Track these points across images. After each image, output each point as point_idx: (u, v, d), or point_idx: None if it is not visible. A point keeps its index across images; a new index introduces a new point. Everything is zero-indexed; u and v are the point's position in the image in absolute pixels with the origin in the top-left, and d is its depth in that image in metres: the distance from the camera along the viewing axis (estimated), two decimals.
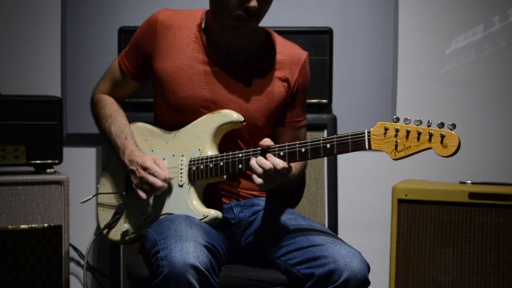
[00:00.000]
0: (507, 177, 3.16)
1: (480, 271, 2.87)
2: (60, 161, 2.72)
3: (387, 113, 3.18)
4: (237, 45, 2.21)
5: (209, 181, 2.15)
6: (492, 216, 2.85)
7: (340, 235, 2.61)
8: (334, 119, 2.98)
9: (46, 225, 2.66)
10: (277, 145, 2.01)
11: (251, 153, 2.05)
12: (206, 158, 2.13)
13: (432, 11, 3.27)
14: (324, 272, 1.95)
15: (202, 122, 2.19)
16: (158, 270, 1.88)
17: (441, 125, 1.78)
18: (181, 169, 2.18)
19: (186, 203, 2.14)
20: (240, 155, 2.07)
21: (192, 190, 2.15)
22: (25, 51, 3.16)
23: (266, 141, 2.02)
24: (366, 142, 1.88)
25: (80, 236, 3.08)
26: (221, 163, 2.10)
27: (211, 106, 2.19)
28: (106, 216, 2.34)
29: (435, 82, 3.30)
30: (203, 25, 2.23)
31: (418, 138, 1.81)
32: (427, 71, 3.29)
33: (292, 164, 2.02)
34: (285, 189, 2.32)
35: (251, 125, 2.20)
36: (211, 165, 2.11)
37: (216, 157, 2.11)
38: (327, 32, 2.99)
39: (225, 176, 2.13)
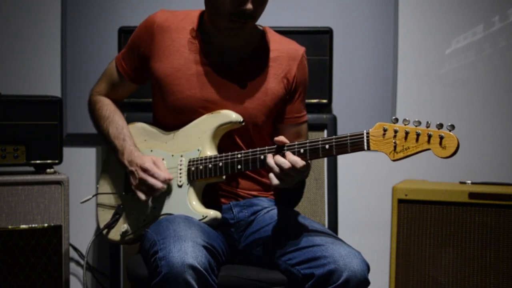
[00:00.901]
0: (507, 177, 3.16)
1: (480, 271, 2.87)
2: (60, 161, 2.72)
3: (387, 113, 3.18)
4: (234, 45, 2.21)
5: (208, 181, 2.15)
6: (492, 216, 2.85)
7: (340, 235, 2.61)
8: (334, 119, 2.98)
9: (46, 225, 2.66)
10: (295, 143, 2.00)
11: (250, 153, 2.05)
12: (205, 159, 2.13)
13: (432, 11, 3.27)
14: (324, 272, 1.95)
15: (201, 123, 2.19)
16: (157, 271, 1.88)
17: (440, 126, 1.78)
18: (180, 169, 2.18)
19: (185, 204, 2.14)
20: (239, 155, 2.07)
21: (191, 190, 2.15)
22: (25, 51, 3.16)
23: (282, 138, 2.00)
24: (365, 143, 1.88)
25: (80, 236, 3.08)
26: (220, 164, 2.10)
27: (210, 106, 2.19)
28: (105, 216, 2.34)
29: (435, 82, 3.29)
30: (200, 26, 2.23)
31: (417, 139, 1.81)
32: (427, 71, 3.29)
33: None
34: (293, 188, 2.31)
35: (250, 123, 2.20)
36: (210, 165, 2.11)
37: (215, 157, 2.11)
38: (327, 32, 2.99)
39: (224, 177, 2.13)
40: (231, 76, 2.21)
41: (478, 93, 3.30)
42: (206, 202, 2.17)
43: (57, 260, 2.66)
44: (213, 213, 2.11)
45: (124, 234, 2.27)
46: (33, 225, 2.64)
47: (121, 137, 2.25)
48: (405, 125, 1.83)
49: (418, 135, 1.81)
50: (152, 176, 2.14)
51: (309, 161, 1.99)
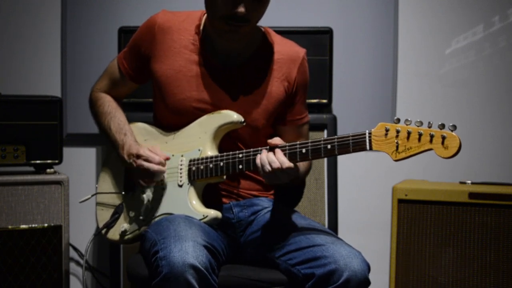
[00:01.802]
0: (507, 177, 3.16)
1: (480, 271, 2.87)
2: (60, 161, 2.72)
3: (387, 113, 3.18)
4: (235, 47, 2.21)
5: (209, 181, 2.15)
6: (492, 216, 2.85)
7: (340, 235, 2.61)
8: (334, 119, 2.98)
9: (46, 225, 2.66)
10: (287, 144, 2.01)
11: (251, 153, 2.05)
12: (206, 158, 2.13)
13: (432, 11, 3.27)
14: (324, 272, 1.95)
15: (202, 123, 2.19)
16: (157, 270, 1.88)
17: (442, 126, 1.78)
18: (180, 169, 2.18)
19: (186, 203, 2.14)
20: (240, 155, 2.07)
21: (192, 190, 2.15)
22: (25, 51, 3.16)
23: (275, 140, 2.02)
24: (367, 143, 1.88)
25: (80, 236, 3.08)
26: (221, 164, 2.10)
27: (210, 108, 2.20)
28: (105, 215, 2.34)
29: (435, 82, 3.29)
30: (201, 27, 2.23)
31: (419, 139, 1.81)
32: (427, 71, 3.29)
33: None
34: (289, 186, 2.31)
35: (250, 126, 2.20)
36: (211, 165, 2.11)
37: (216, 157, 2.11)
38: (327, 32, 2.99)
39: (225, 177, 2.13)
40: (232, 78, 2.21)
41: (478, 93, 3.30)
42: (206, 202, 2.17)
43: (57, 260, 2.66)
44: (213, 213, 2.11)
45: (123, 233, 2.27)
46: (33, 225, 2.64)
47: (122, 132, 2.26)
48: (407, 125, 1.84)
49: (420, 135, 1.81)
50: (147, 160, 2.14)
51: (296, 165, 2.00)
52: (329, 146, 1.94)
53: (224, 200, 2.24)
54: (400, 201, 2.96)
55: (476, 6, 3.25)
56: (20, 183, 2.63)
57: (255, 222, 2.23)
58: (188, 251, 1.86)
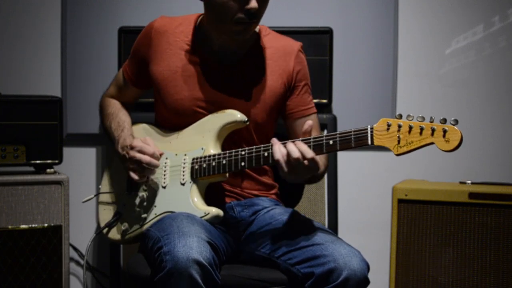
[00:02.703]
0: (507, 177, 3.16)
1: (480, 271, 2.87)
2: (60, 161, 2.72)
3: (387, 113, 3.18)
4: (231, 46, 2.22)
5: (211, 179, 2.16)
6: (492, 216, 2.85)
7: (340, 235, 2.61)
8: (334, 119, 2.98)
9: (46, 225, 2.66)
10: (288, 140, 2.00)
11: (254, 150, 2.06)
12: (209, 157, 2.13)
13: (432, 11, 3.27)
14: (323, 271, 1.95)
15: (206, 122, 2.19)
16: (161, 265, 1.88)
17: (444, 120, 1.79)
18: (183, 167, 2.18)
19: (188, 201, 2.14)
20: (243, 152, 2.08)
21: (194, 188, 2.15)
22: (25, 51, 3.16)
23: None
24: (369, 138, 1.88)
25: (80, 236, 3.08)
26: (224, 161, 2.10)
27: (209, 107, 2.21)
28: (107, 215, 2.34)
29: (435, 82, 3.30)
30: (197, 28, 2.25)
31: (421, 133, 1.82)
32: (427, 71, 3.29)
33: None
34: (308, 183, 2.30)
35: (251, 123, 2.20)
36: (213, 163, 2.12)
37: (218, 155, 2.12)
38: (327, 32, 3.00)
39: (227, 175, 2.13)
40: (229, 76, 2.22)
41: (478, 93, 3.30)
42: (208, 201, 2.17)
43: (57, 260, 2.67)
44: (215, 211, 2.11)
45: (124, 233, 2.27)
46: (33, 225, 2.64)
47: (120, 128, 2.29)
48: (409, 120, 1.84)
49: (421, 129, 1.81)
50: (140, 151, 2.15)
51: (317, 160, 1.96)
52: (331, 142, 1.94)
53: (226, 199, 2.24)
54: (400, 201, 2.96)
55: (476, 6, 3.26)
56: (20, 183, 2.63)
57: (256, 222, 2.23)
58: (193, 246, 1.86)
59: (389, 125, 1.86)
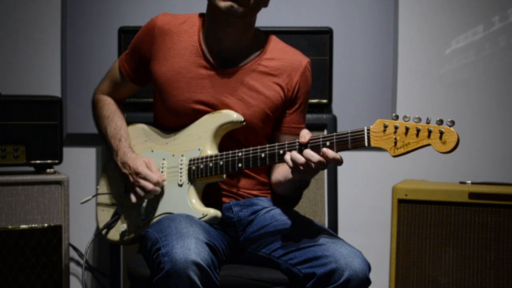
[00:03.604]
0: (507, 177, 3.16)
1: (480, 271, 2.87)
2: (60, 161, 2.72)
3: (387, 113, 3.18)
4: (236, 49, 2.21)
5: (209, 180, 2.16)
6: (492, 216, 2.85)
7: (340, 235, 2.61)
8: (334, 119, 2.98)
9: (46, 225, 2.66)
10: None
11: (251, 151, 2.06)
12: (206, 158, 2.13)
13: (432, 11, 3.27)
14: (325, 271, 1.95)
15: (203, 122, 2.19)
16: (160, 267, 1.88)
17: (440, 122, 1.79)
18: (181, 168, 2.18)
19: (186, 202, 2.14)
20: (240, 154, 2.08)
21: (192, 189, 2.15)
22: (25, 51, 3.16)
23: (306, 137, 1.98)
24: (366, 139, 1.88)
25: (80, 236, 3.08)
26: (221, 162, 2.10)
27: (208, 109, 2.20)
28: (105, 216, 2.34)
29: (435, 82, 3.30)
30: (201, 29, 2.24)
31: (417, 135, 1.82)
32: (427, 71, 3.29)
33: None
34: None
35: (248, 129, 2.20)
36: (210, 164, 2.12)
37: (215, 156, 2.12)
38: (327, 32, 2.99)
39: (224, 176, 2.13)
40: (232, 80, 2.21)
41: (478, 93, 3.30)
42: (206, 201, 2.17)
43: (57, 260, 2.66)
44: (213, 212, 2.11)
45: (123, 234, 2.27)
46: (33, 225, 2.64)
47: (117, 137, 2.27)
48: (405, 121, 1.84)
49: (418, 130, 1.81)
50: (144, 178, 2.15)
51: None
52: (327, 143, 1.94)
53: (224, 199, 2.24)
54: (400, 201, 2.96)
55: (476, 6, 3.26)
56: (20, 183, 2.63)
57: (255, 222, 2.23)
58: (191, 247, 1.86)
59: (385, 127, 1.86)
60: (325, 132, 2.95)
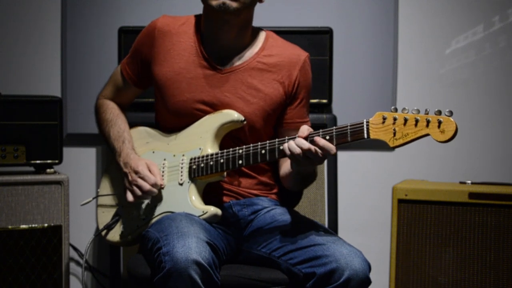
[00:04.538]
0: (507, 177, 3.16)
1: (480, 271, 2.87)
2: (60, 161, 2.72)
3: None
4: (234, 48, 2.22)
5: (210, 179, 2.16)
6: (492, 216, 2.85)
7: (340, 235, 2.61)
8: (334, 119, 2.98)
9: (46, 225, 2.66)
10: (286, 137, 2.00)
11: (251, 148, 2.06)
12: (207, 156, 2.13)
13: (432, 11, 3.27)
14: (325, 271, 1.95)
15: (204, 122, 2.19)
16: (161, 266, 1.88)
17: (439, 112, 1.80)
18: (181, 168, 2.18)
19: (186, 200, 2.14)
20: (240, 151, 2.08)
21: (192, 187, 2.16)
22: (25, 51, 3.16)
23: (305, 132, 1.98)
24: (365, 131, 1.89)
25: (80, 236, 3.08)
26: (221, 160, 2.10)
27: (209, 109, 2.21)
28: (105, 217, 2.34)
29: (435, 82, 3.30)
30: (200, 29, 2.25)
31: (416, 125, 1.82)
32: (427, 71, 3.29)
33: None
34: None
35: (248, 127, 2.20)
36: (211, 162, 2.12)
37: (216, 154, 2.12)
38: (327, 32, 2.99)
39: (225, 174, 2.13)
40: (231, 80, 2.21)
41: (478, 93, 3.30)
42: (207, 200, 2.17)
43: (57, 260, 2.66)
44: (213, 210, 2.11)
45: (123, 234, 2.27)
46: (33, 225, 2.64)
47: (120, 139, 2.28)
48: (404, 113, 1.84)
49: (417, 121, 1.82)
50: (142, 178, 2.15)
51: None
52: (327, 137, 1.94)
53: (225, 198, 2.24)
54: (400, 201, 2.96)
55: (476, 6, 3.26)
56: (20, 183, 2.63)
57: (255, 222, 2.23)
58: (191, 247, 1.86)
59: (384, 118, 1.87)
60: None
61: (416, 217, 2.94)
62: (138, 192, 2.17)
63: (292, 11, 3.15)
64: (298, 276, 2.04)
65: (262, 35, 2.27)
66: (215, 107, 2.20)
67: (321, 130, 1.96)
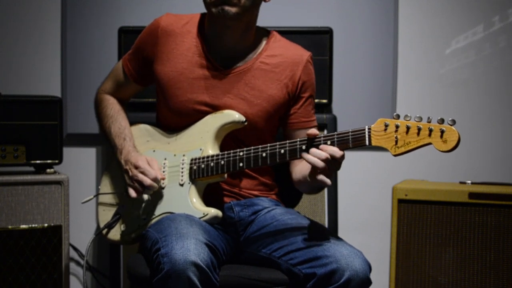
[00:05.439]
0: (507, 177, 3.16)
1: (480, 271, 2.87)
2: (60, 161, 2.72)
3: (387, 113, 3.18)
4: (237, 49, 2.21)
5: (210, 180, 2.16)
6: (492, 216, 2.85)
7: (340, 235, 2.61)
8: (334, 119, 2.98)
9: (46, 225, 2.66)
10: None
11: (252, 151, 2.06)
12: (207, 157, 2.13)
13: (432, 11, 3.27)
14: (326, 271, 1.95)
15: (204, 122, 2.19)
16: (159, 267, 1.88)
17: (441, 121, 1.79)
18: (182, 168, 2.18)
19: (186, 202, 2.14)
20: (241, 153, 2.08)
21: (193, 188, 2.15)
22: (25, 51, 3.16)
23: (314, 130, 1.98)
24: (367, 138, 1.88)
25: (80, 236, 3.08)
26: (222, 162, 2.10)
27: (211, 110, 2.21)
28: (106, 216, 2.34)
29: (435, 82, 3.30)
30: (203, 29, 2.24)
31: (418, 133, 1.82)
32: (427, 71, 3.29)
33: None
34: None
35: (250, 128, 2.20)
36: (212, 164, 2.12)
37: (217, 155, 2.12)
38: (327, 32, 2.99)
39: (225, 175, 2.13)
40: (234, 80, 2.21)
41: (478, 93, 3.30)
42: (207, 201, 2.17)
43: (57, 260, 2.66)
44: (214, 211, 2.11)
45: (124, 233, 2.27)
46: (33, 225, 2.64)
47: (122, 136, 2.28)
48: (406, 120, 1.84)
49: (419, 129, 1.81)
50: (143, 173, 2.15)
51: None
52: (328, 143, 1.94)
53: (225, 199, 2.24)
54: (400, 201, 2.96)
55: (476, 6, 3.26)
56: (20, 183, 2.63)
57: (256, 222, 2.23)
58: (190, 248, 1.86)
59: (386, 126, 1.86)
60: (325, 132, 2.95)
61: (416, 217, 2.94)
62: (140, 188, 2.16)
63: (292, 11, 3.15)
64: (298, 277, 2.04)
65: (266, 35, 2.27)
66: (217, 108, 2.20)
67: (322, 136, 1.95)
